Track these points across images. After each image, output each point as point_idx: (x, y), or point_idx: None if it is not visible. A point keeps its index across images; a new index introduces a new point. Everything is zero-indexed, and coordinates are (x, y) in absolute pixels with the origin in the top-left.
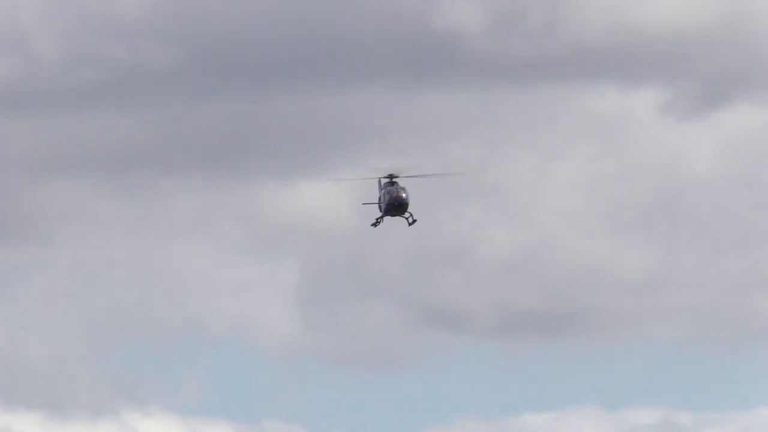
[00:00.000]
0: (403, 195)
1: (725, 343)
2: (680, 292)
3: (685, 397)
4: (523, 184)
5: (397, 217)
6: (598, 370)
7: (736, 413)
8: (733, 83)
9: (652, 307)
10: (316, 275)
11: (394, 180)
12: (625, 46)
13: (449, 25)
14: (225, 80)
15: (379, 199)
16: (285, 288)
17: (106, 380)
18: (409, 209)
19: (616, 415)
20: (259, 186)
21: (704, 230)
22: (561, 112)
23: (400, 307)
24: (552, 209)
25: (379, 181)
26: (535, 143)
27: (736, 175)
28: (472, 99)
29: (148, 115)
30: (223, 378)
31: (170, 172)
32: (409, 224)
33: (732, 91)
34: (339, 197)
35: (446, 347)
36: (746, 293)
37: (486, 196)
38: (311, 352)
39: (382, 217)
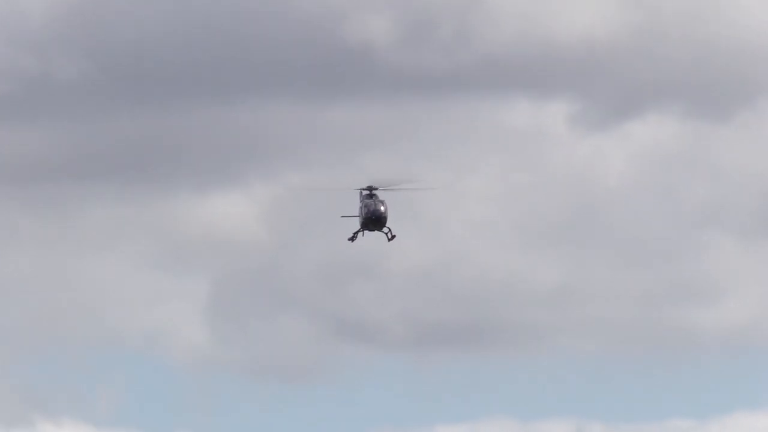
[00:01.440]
0: (381, 208)
1: (637, 355)
2: (592, 304)
3: (597, 408)
4: (435, 195)
5: (376, 232)
6: (511, 382)
7: (647, 425)
8: (644, 94)
9: (565, 318)
10: (228, 288)
11: (373, 192)
12: (537, 58)
13: (361, 36)
14: (136, 92)
15: (358, 211)
16: (197, 300)
17: (18, 392)
18: (388, 224)
19: (528, 426)
20: (171, 198)
21: (615, 242)
22: (473, 123)
23: (312, 320)
24: (464, 221)
25: (360, 193)
26: (446, 155)
27: (648, 186)
28: (385, 111)
29: (58, 126)
30: (135, 390)
31: (81, 184)
32: (389, 240)
33: (643, 101)
34: (251, 209)
35: (358, 360)
36: (658, 305)
37: (398, 208)
38: (223, 364)
39: (359, 231)
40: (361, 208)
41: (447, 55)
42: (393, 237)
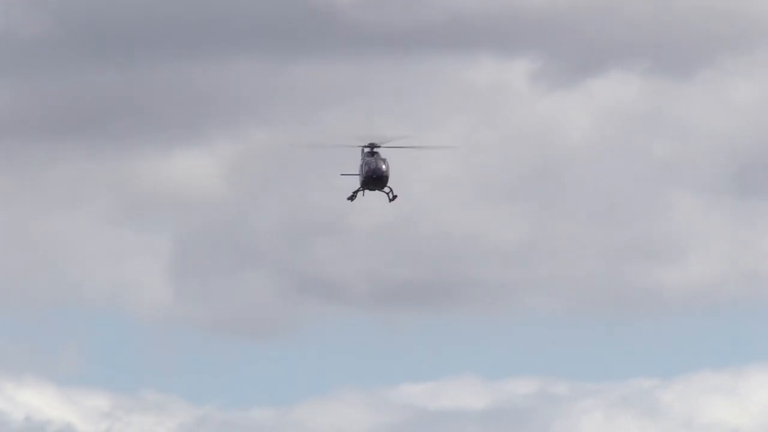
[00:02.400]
0: (383, 167)
1: (601, 313)
2: (557, 263)
3: (562, 367)
4: (398, 153)
5: (377, 192)
6: (476, 340)
7: (612, 383)
8: (607, 51)
9: (530, 277)
10: (191, 244)
11: (375, 150)
12: (500, 15)
13: None
14: (98, 49)
15: (359, 170)
16: (160, 257)
17: None
18: (389, 183)
19: (493, 384)
20: (134, 155)
21: (579, 199)
22: (436, 81)
23: (276, 277)
24: (428, 179)
25: (362, 150)
26: (410, 113)
27: (611, 144)
28: (348, 68)
29: (19, 83)
30: (98, 348)
31: (43, 141)
32: (390, 200)
33: (606, 59)
34: (215, 166)
35: (323, 317)
36: (623, 264)
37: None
38: (186, 321)
39: (359, 190)
40: (361, 166)
41: (410, 13)
42: (394, 197)
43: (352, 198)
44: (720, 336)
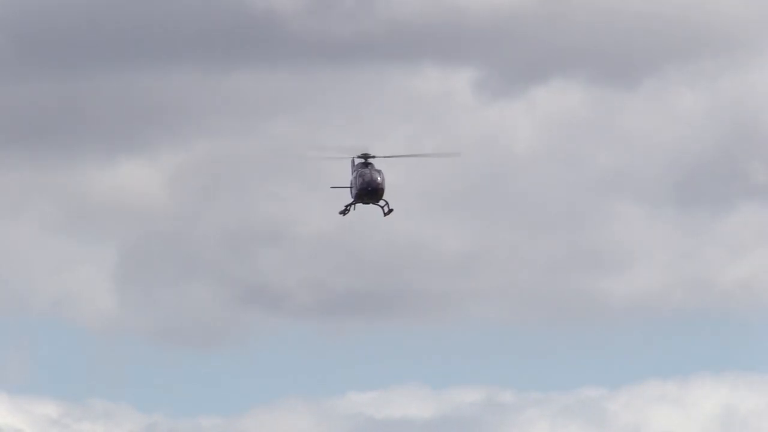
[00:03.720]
0: (378, 179)
1: (548, 323)
2: (502, 272)
3: (508, 376)
4: (342, 163)
5: (371, 206)
6: (422, 350)
7: (559, 393)
8: (551, 61)
9: (475, 286)
10: (135, 254)
11: (368, 161)
12: (443, 25)
13: (267, 3)
14: (41, 58)
15: (351, 182)
16: (105, 267)
17: None
18: (384, 196)
19: (440, 393)
20: (77, 164)
21: (523, 209)
22: (379, 91)
23: (221, 286)
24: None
25: (352, 161)
26: (353, 123)
27: (555, 153)
28: (291, 78)
29: None
30: (47, 356)
31: None
32: (385, 214)
33: (550, 68)
34: (157, 176)
35: (269, 327)
36: (568, 273)
37: (306, 175)
38: (133, 331)
39: (352, 204)
40: (354, 178)
41: (353, 23)
42: (390, 211)
43: (344, 212)
44: (666, 346)
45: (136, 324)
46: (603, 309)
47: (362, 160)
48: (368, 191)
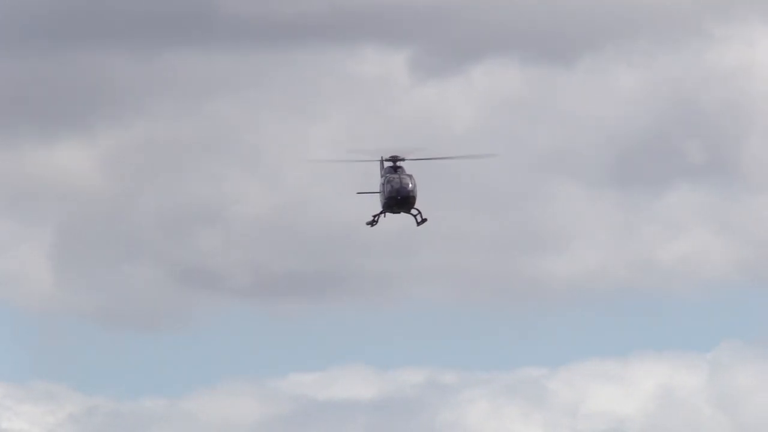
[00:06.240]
0: (409, 186)
1: (489, 304)
2: (443, 253)
3: (450, 356)
4: (281, 144)
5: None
6: (364, 331)
7: (500, 373)
8: (489, 40)
9: (416, 267)
10: (74, 234)
11: (398, 164)
12: (381, 6)
13: None
14: None
15: (380, 188)
16: (42, 247)
17: None
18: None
19: (382, 374)
20: (13, 144)
21: (464, 188)
22: (318, 72)
23: (164, 269)
24: (310, 169)
25: (381, 163)
26: (293, 104)
27: (493, 132)
28: (231, 60)
29: None
30: None
31: None
32: (418, 224)
33: (487, 48)
34: (95, 157)
35: (211, 309)
36: (509, 253)
37: (246, 157)
38: (74, 312)
39: (382, 213)
40: (382, 184)
41: (291, 4)
42: (423, 220)
43: (372, 223)
44: (606, 326)
45: (76, 305)
46: (543, 289)
47: (391, 164)
48: (398, 200)
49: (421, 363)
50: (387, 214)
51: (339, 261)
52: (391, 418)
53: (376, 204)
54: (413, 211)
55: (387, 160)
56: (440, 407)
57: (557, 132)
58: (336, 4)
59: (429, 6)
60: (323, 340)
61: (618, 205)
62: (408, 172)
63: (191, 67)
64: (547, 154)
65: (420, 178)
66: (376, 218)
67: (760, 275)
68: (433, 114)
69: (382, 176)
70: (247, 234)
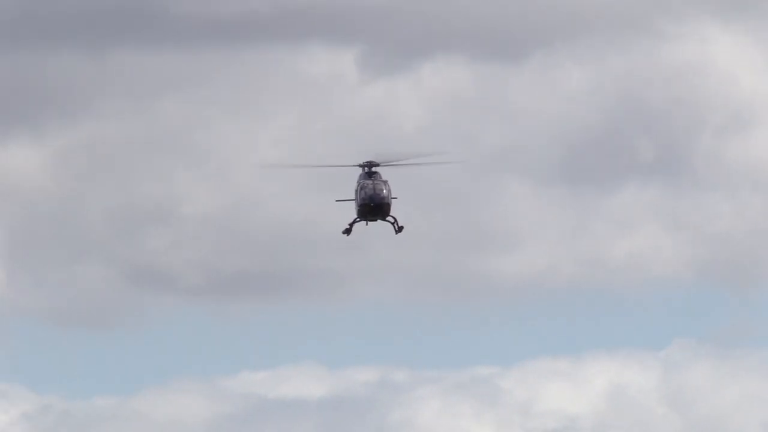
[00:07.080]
0: (383, 192)
1: (440, 302)
2: (393, 250)
3: (401, 355)
4: (230, 144)
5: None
6: (315, 329)
7: (451, 371)
8: (437, 38)
9: (366, 265)
10: (24, 234)
11: (373, 170)
12: (328, 4)
13: None
14: None
15: (355, 194)
16: None
17: None
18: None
19: (333, 373)
20: None
21: (412, 186)
22: (266, 70)
23: (113, 267)
24: (260, 169)
25: (362, 170)
26: (242, 103)
27: (441, 130)
28: (178, 58)
29: None
30: None
31: None
32: (396, 232)
33: (435, 46)
34: (43, 156)
35: (160, 307)
36: (459, 251)
37: (195, 156)
38: (24, 312)
39: (357, 221)
40: (356, 190)
41: (240, 3)
42: (401, 228)
43: (347, 231)
44: (556, 323)
45: (26, 305)
46: (494, 287)
47: (366, 169)
48: (371, 207)
49: (372, 361)
50: (363, 221)
51: (289, 260)
52: (342, 416)
53: (350, 210)
54: (389, 218)
55: (363, 166)
56: (391, 406)
57: (507, 129)
58: (284, 3)
59: (377, 4)
60: (274, 338)
61: (568, 202)
62: (383, 177)
63: (140, 66)
64: (496, 152)
65: None
66: (351, 226)
67: (711, 273)
68: (382, 112)
69: (357, 183)
70: (197, 233)
